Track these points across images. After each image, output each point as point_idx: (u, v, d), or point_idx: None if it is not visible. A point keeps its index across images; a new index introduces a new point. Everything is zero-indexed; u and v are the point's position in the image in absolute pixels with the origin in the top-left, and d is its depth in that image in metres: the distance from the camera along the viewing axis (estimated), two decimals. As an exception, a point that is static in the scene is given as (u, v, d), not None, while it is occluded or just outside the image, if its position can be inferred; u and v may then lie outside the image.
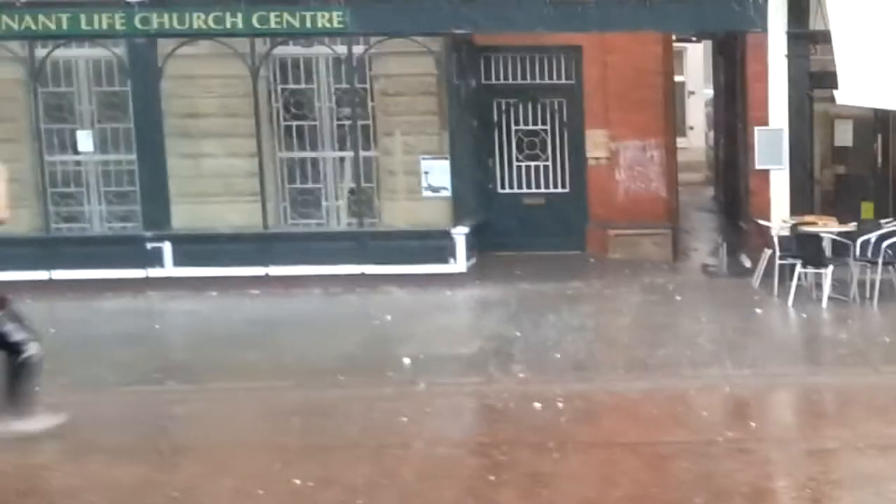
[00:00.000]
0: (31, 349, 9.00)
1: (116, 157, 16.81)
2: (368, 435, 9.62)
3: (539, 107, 18.37)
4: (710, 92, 29.50)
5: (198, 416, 10.06)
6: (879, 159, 17.30)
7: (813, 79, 15.79)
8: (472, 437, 9.72)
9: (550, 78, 18.36)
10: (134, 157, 16.52)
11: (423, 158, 16.74)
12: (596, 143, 18.09)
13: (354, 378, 11.00)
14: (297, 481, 8.05)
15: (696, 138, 33.20)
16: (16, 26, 15.80)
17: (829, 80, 14.89)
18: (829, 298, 13.95)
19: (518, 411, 9.98)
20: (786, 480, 8.26)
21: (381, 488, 7.96)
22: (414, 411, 10.00)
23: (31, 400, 9.08)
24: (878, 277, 14.04)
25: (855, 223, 15.04)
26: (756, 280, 15.30)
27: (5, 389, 8.98)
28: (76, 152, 16.79)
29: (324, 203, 16.99)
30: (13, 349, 8.94)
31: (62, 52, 16.56)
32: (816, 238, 14.29)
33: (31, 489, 8.16)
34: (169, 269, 16.04)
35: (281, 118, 17.03)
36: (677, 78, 26.21)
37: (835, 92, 14.41)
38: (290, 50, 16.79)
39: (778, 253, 14.69)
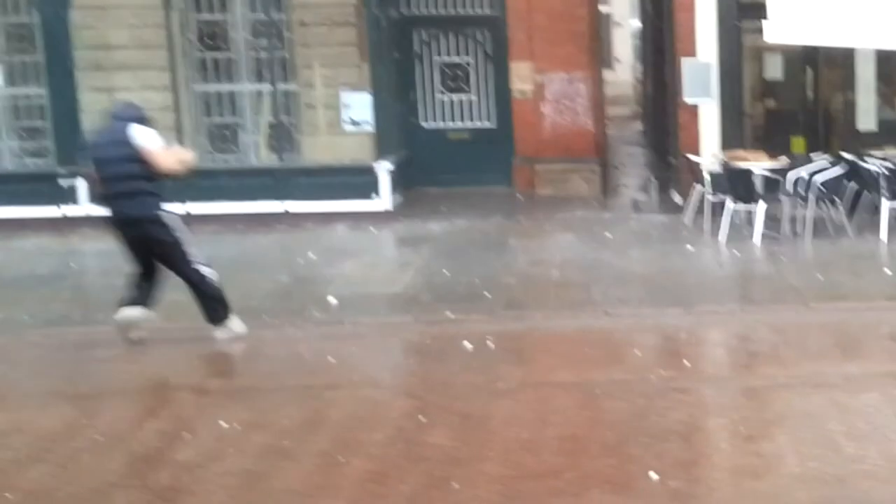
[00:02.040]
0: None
1: (26, 90, 16.47)
2: (295, 376, 9.50)
3: (462, 38, 18.07)
4: (636, 23, 29.46)
5: (120, 358, 9.83)
6: (810, 93, 17.25)
7: (742, 10, 15.75)
8: (401, 377, 9.63)
9: (473, 8, 18.11)
10: (44, 90, 16.09)
11: (344, 91, 16.43)
12: (521, 76, 17.86)
13: (280, 318, 10.81)
14: (224, 424, 7.94)
15: (623, 71, 33.20)
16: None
17: (758, 11, 14.84)
18: (761, 235, 13.90)
19: (448, 351, 9.85)
20: (720, 419, 8.20)
21: (309, 430, 7.86)
22: (341, 352, 9.86)
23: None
24: (809, 213, 14.03)
25: (786, 158, 14.98)
26: (687, 216, 15.25)
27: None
28: (-17, 86, 16.36)
29: (242, 138, 16.65)
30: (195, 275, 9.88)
31: (-34, -17, 16.09)
32: (747, 174, 14.22)
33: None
34: (85, 207, 15.61)
35: (195, 50, 16.65)
36: (603, 9, 26.14)
37: (764, 27, 14.29)
38: (204, -21, 16.42)
39: (709, 189, 14.62)
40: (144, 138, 9.56)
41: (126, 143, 9.50)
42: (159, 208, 9.66)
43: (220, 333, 10.01)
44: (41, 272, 13.03)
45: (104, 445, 7.66)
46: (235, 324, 10.06)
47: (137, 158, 9.48)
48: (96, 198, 9.93)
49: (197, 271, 9.83)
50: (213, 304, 9.96)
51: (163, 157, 9.62)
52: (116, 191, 9.53)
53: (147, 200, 9.59)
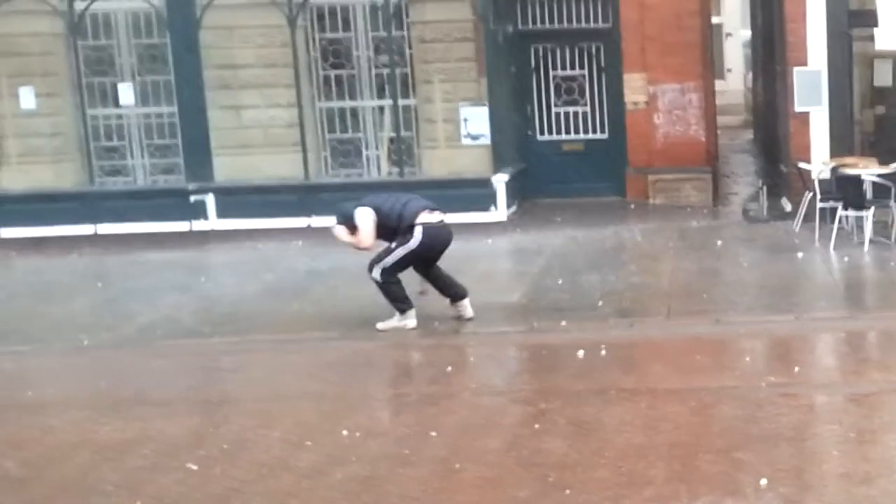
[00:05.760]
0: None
1: (158, 109, 16.95)
2: (414, 385, 9.73)
3: (576, 51, 18.31)
4: (747, 33, 29.30)
5: (246, 368, 10.13)
6: (920, 99, 17.16)
7: (852, 17, 15.63)
8: (515, 385, 9.70)
9: (587, 22, 18.31)
10: (175, 109, 16.62)
11: (462, 106, 16.73)
12: (634, 88, 18.03)
13: (399, 327, 10.99)
14: (345, 432, 8.09)
15: (735, 81, 33.00)
16: (54, -20, 15.87)
17: (868, 18, 14.76)
18: (871, 241, 13.85)
19: (561, 359, 9.99)
20: (830, 424, 8.18)
21: (427, 438, 7.98)
22: (458, 360, 10.09)
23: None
24: (920, 219, 13.93)
25: (896, 165, 14.93)
26: (797, 224, 15.25)
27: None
28: (118, 105, 16.90)
29: (364, 152, 17.04)
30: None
31: (101, 5, 16.69)
32: (857, 180, 14.17)
33: (81, 442, 8.18)
34: (213, 222, 16.18)
35: (319, 68, 17.09)
36: (714, 19, 26.12)
37: (875, 33, 14.24)
38: (327, -2, 16.81)
39: (818, 196, 14.58)
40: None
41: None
42: None
43: (460, 309, 11.19)
44: (172, 285, 13.33)
45: (229, 453, 7.82)
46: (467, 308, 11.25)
47: None
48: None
49: None
50: (457, 285, 11.26)
51: None
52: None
53: None
